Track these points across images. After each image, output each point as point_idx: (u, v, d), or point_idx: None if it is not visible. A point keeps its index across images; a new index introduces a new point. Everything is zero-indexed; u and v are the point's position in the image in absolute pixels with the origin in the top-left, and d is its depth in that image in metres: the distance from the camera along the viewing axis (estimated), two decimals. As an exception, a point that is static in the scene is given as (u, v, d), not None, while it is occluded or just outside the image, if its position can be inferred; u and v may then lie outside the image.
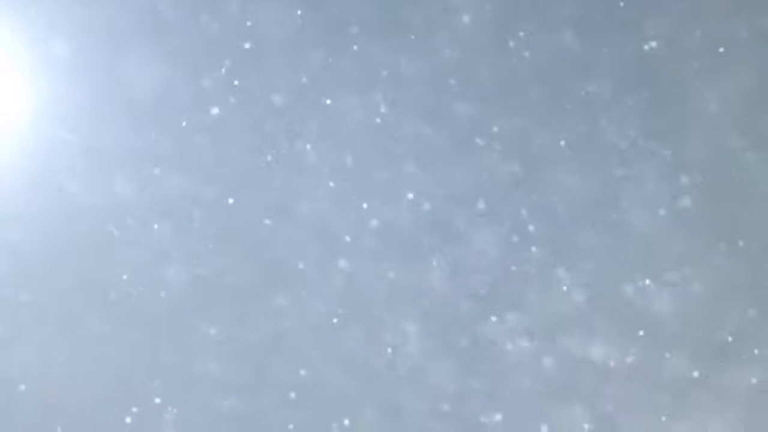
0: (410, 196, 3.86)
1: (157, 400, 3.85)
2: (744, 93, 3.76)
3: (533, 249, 3.87)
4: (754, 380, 3.73)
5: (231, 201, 3.90)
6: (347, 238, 3.87)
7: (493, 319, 3.84)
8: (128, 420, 3.85)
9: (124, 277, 3.88)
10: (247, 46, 3.87)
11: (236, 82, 3.88)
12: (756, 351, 3.73)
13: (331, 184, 3.87)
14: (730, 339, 3.74)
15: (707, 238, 3.83)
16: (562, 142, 3.84)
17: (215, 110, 3.86)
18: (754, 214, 3.82)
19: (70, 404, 3.88)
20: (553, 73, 3.86)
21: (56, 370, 3.88)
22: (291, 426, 3.85)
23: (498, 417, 3.80)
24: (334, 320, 3.86)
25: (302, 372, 3.85)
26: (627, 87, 3.82)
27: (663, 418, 3.78)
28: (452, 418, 3.83)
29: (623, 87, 3.83)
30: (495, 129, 3.87)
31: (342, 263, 3.86)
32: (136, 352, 3.88)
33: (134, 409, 3.85)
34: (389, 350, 3.85)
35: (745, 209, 3.82)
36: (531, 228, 3.87)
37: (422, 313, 3.86)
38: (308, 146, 3.88)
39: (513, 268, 3.89)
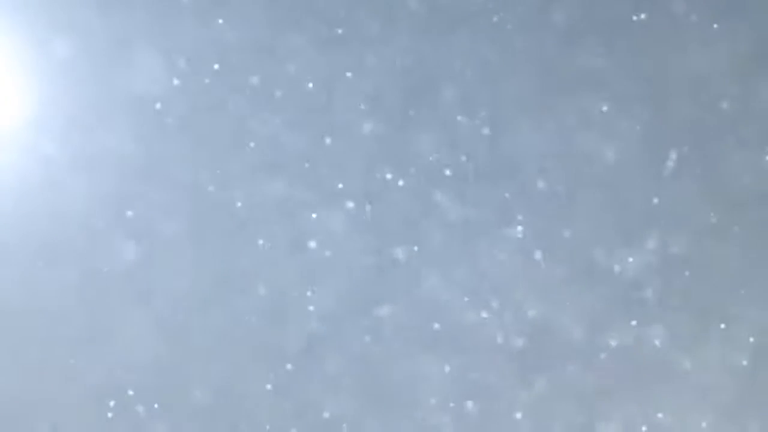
0: (388, 176, 3.78)
1: (131, 392, 3.81)
2: (736, 65, 3.65)
3: (518, 234, 3.79)
4: (744, 362, 3.60)
5: (211, 189, 3.84)
6: (323, 220, 3.80)
7: (469, 302, 3.75)
8: (110, 415, 3.82)
9: (105, 269, 3.84)
10: (220, 21, 3.79)
11: (216, 66, 3.81)
12: (751, 339, 3.60)
13: (306, 165, 3.80)
14: (722, 326, 3.62)
15: (698, 219, 3.72)
16: (549, 120, 3.74)
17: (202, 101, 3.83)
18: (748, 194, 3.70)
19: (53, 401, 3.85)
20: (538, 47, 3.77)
21: (35, 365, 3.86)
22: (268, 417, 3.81)
23: (479, 404, 3.71)
24: (311, 308, 3.78)
25: (279, 363, 3.80)
26: (615, 58, 3.73)
27: (658, 413, 3.69)
28: (431, 407, 3.75)
29: (612, 59, 3.73)
30: (481, 111, 3.79)
31: (315, 245, 3.78)
32: (112, 345, 3.83)
33: (111, 403, 3.82)
34: (367, 338, 3.77)
35: (738, 189, 3.71)
36: (514, 212, 3.78)
37: (400, 298, 3.79)
38: (284, 125, 3.83)
39: (500, 256, 3.80)
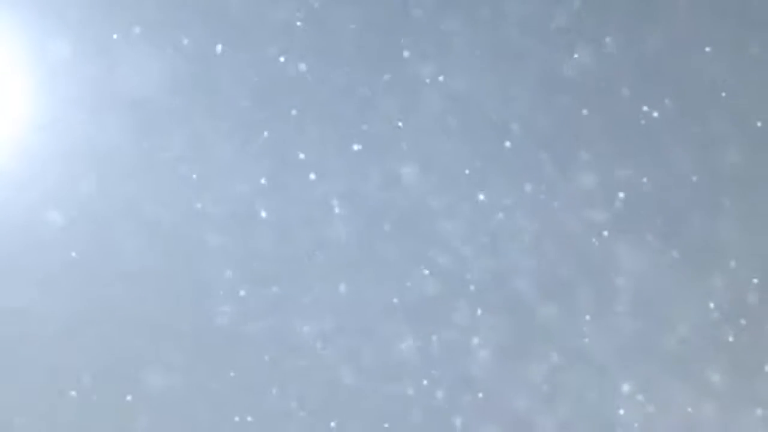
0: (355, 147, 3.65)
1: (86, 380, 3.72)
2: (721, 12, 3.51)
3: (499, 215, 3.66)
4: (731, 338, 3.41)
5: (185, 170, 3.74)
6: (286, 195, 3.68)
7: (431, 277, 3.61)
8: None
9: (73, 254, 3.75)
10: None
11: (185, 42, 3.73)
12: (743, 321, 3.40)
13: (266, 134, 3.68)
14: (711, 305, 3.42)
15: (686, 195, 3.57)
16: (527, 87, 3.63)
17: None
18: (738, 167, 3.54)
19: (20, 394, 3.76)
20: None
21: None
22: (232, 405, 3.73)
23: (446, 385, 3.59)
24: (274, 288, 3.66)
25: (241, 350, 3.71)
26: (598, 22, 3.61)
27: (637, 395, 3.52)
28: (396, 388, 3.64)
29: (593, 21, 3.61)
30: (450, 67, 3.69)
31: (271, 218, 3.66)
32: (70, 331, 3.75)
33: (72, 393, 3.73)
34: (327, 325, 3.66)
35: (728, 157, 3.53)
36: (489, 187, 3.65)
37: (359, 273, 3.67)
38: (250, 97, 3.74)
39: (484, 238, 3.67)
